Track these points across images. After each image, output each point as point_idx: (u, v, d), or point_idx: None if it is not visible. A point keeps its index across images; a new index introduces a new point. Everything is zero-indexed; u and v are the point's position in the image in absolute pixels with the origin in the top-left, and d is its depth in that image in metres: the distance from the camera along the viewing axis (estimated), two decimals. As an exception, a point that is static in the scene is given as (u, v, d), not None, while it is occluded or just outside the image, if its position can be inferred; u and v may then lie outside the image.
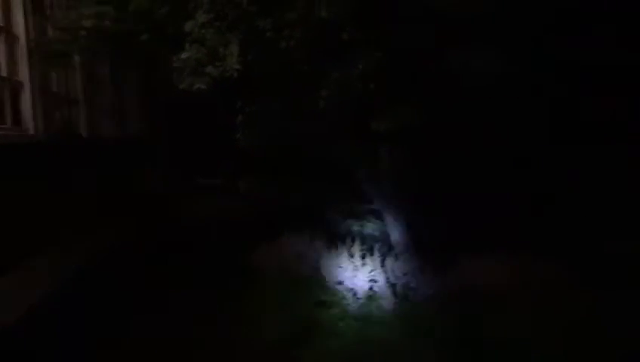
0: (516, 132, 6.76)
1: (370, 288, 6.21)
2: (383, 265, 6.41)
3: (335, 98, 5.19)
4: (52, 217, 6.45)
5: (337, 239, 7.04)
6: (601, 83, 6.37)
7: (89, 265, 6.81)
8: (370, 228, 7.61)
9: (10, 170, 5.57)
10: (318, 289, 6.37)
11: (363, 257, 6.55)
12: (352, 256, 6.54)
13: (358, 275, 6.32)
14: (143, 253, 8.07)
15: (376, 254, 6.64)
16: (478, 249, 6.35)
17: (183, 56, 4.49)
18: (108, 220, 8.47)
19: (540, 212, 7.07)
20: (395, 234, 6.88)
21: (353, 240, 6.87)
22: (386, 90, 5.33)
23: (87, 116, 8.57)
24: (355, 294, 6.19)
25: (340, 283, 6.30)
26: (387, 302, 6.01)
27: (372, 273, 6.29)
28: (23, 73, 6.30)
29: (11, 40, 6.12)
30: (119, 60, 9.71)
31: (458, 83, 5.85)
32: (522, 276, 5.96)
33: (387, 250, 6.97)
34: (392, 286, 6.18)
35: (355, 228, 7.61)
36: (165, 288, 6.74)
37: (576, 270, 5.92)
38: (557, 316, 5.38)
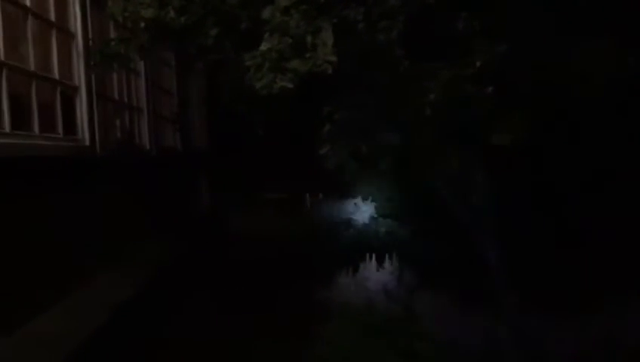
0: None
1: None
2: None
3: (444, 103, 4.12)
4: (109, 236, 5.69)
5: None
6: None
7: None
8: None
9: (61, 186, 4.83)
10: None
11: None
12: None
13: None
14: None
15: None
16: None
17: (263, 47, 3.53)
18: (167, 238, 7.69)
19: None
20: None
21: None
22: (507, 92, 4.23)
23: (150, 127, 7.88)
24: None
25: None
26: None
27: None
28: (79, 76, 5.58)
29: (65, 38, 5.41)
30: (185, 64, 9.01)
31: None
32: None
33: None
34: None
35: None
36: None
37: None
38: None
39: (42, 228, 4.39)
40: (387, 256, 6.57)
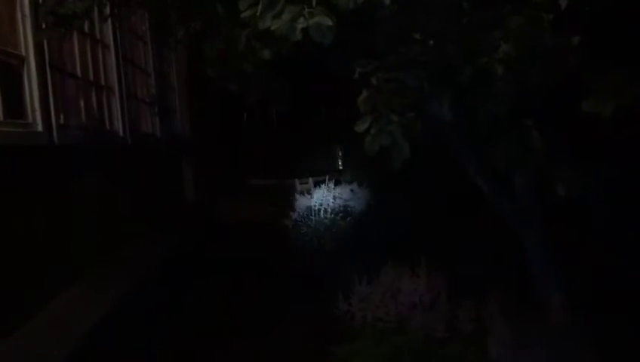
0: None
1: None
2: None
3: (518, 59, 3.02)
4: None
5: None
6: None
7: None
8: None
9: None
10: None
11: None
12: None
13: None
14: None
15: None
16: None
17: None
18: (146, 234, 6.54)
19: None
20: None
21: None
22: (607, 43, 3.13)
23: (123, 110, 6.66)
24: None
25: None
26: None
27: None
28: (25, 45, 4.36)
29: (5, -4, 4.19)
30: (163, 39, 7.81)
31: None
32: None
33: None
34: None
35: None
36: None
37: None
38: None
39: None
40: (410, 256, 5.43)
